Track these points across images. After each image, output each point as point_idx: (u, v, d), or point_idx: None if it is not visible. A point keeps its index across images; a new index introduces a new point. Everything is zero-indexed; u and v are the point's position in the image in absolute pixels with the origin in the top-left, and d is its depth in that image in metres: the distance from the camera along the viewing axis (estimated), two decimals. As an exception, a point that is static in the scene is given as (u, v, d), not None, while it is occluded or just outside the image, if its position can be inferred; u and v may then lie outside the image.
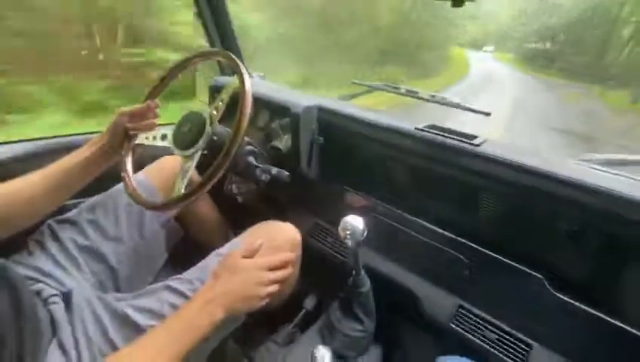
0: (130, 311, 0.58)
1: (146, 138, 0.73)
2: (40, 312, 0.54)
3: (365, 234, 0.60)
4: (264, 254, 0.65)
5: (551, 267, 0.57)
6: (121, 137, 0.70)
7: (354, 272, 0.71)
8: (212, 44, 1.03)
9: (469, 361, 0.59)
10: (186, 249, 0.92)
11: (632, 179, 0.54)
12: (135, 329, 0.56)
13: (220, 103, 0.69)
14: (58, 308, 0.57)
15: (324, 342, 0.77)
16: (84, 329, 0.55)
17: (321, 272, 0.91)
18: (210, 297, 0.54)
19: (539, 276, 0.58)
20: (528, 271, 0.58)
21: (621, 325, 0.51)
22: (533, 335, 0.59)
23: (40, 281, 0.61)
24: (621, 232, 0.51)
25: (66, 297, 0.60)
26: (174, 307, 0.59)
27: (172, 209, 0.66)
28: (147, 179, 0.82)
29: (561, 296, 0.56)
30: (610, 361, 0.53)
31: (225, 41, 1.02)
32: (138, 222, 0.77)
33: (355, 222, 0.60)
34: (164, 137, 0.71)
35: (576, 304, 0.55)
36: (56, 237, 0.68)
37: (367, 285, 0.72)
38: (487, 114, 0.69)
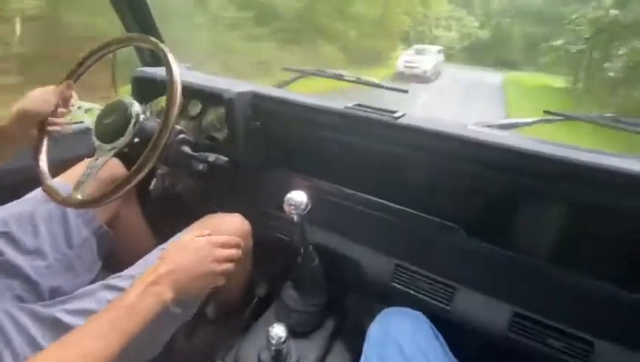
0: (61, 315, 0.53)
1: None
2: None
3: (309, 207, 0.63)
4: None
5: (465, 217, 0.67)
6: (32, 126, 0.63)
7: (302, 249, 0.73)
8: (128, 31, 0.95)
9: (409, 310, 0.66)
10: (122, 256, 0.85)
11: (521, 136, 0.66)
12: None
13: (150, 110, 0.66)
14: None
15: (280, 322, 0.79)
16: (6, 343, 0.49)
17: (271, 258, 0.93)
18: (154, 278, 0.50)
19: (455, 225, 0.67)
20: (447, 223, 0.67)
21: (523, 258, 0.63)
22: (455, 278, 0.69)
23: None
24: (518, 181, 0.62)
25: None
26: None
27: (89, 206, 0.61)
28: (64, 182, 0.74)
29: (475, 241, 0.66)
30: (518, 290, 0.64)
31: (144, 28, 0.95)
32: (62, 231, 0.70)
33: (297, 197, 0.62)
34: (88, 111, 0.66)
35: (488, 246, 0.65)
36: None
37: (315, 260, 0.76)
38: (405, 91, 0.78)
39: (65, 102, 0.64)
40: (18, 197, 0.71)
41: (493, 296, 0.66)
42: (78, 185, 0.62)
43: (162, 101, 0.61)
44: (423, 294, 0.71)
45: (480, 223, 0.66)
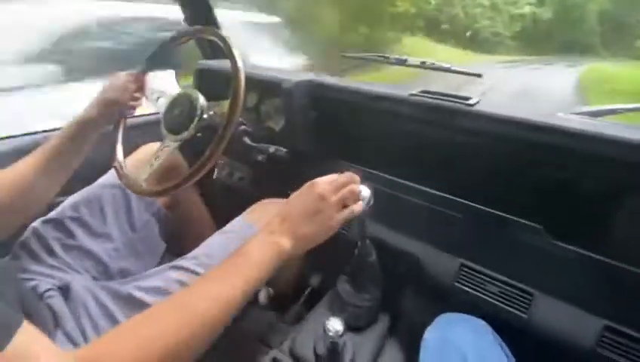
0: (135, 292, 0.57)
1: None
2: (39, 307, 0.53)
3: (372, 201, 0.60)
4: None
5: (549, 216, 0.59)
6: (114, 112, 0.68)
7: (359, 243, 0.71)
8: (191, 25, 0.99)
9: (470, 316, 0.61)
10: (183, 240, 0.90)
11: (620, 124, 0.56)
12: (143, 308, 0.55)
13: (214, 111, 0.67)
14: (57, 301, 0.56)
15: (334, 315, 0.78)
16: (88, 317, 0.54)
17: (324, 248, 0.92)
18: (270, 229, 0.46)
19: (537, 226, 0.60)
20: (527, 222, 0.61)
21: (619, 265, 0.55)
22: (534, 284, 0.62)
23: (33, 279, 0.59)
24: (614, 175, 0.53)
25: (64, 289, 0.58)
26: (181, 283, 0.58)
27: (165, 194, 0.64)
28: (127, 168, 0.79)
29: (560, 243, 0.59)
30: (610, 301, 0.57)
31: (204, 21, 0.98)
32: (126, 214, 0.75)
33: (362, 190, 0.60)
34: (159, 98, 0.70)
35: (575, 249, 0.58)
36: (41, 239, 0.65)
37: (372, 254, 0.73)
38: (479, 75, 0.71)
39: (140, 88, 0.70)
40: (89, 184, 0.77)
41: (580, 306, 0.58)
42: (146, 174, 0.65)
43: (225, 106, 0.61)
44: (493, 298, 0.65)
45: (567, 223, 0.58)
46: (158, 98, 0.70)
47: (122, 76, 0.68)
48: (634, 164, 0.51)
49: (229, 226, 0.71)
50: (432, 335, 0.57)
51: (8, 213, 0.56)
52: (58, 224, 0.67)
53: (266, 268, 0.43)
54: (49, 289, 0.57)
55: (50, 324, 0.53)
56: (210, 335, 0.39)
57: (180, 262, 0.63)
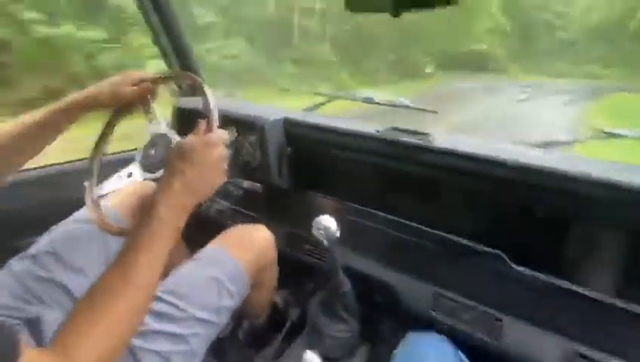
0: None
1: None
2: None
3: (339, 232, 0.62)
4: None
5: (508, 244, 0.63)
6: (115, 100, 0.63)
7: (333, 274, 0.73)
8: (169, 66, 1.03)
9: (435, 334, 0.64)
10: None
11: (567, 156, 0.61)
12: None
13: None
14: (23, 337, 0.54)
15: (312, 348, 0.77)
16: None
17: (302, 281, 0.92)
18: (174, 195, 0.49)
19: (498, 253, 0.63)
20: (489, 249, 0.64)
21: (577, 289, 0.57)
22: (502, 309, 0.64)
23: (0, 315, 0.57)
24: (563, 204, 0.57)
25: (33, 324, 0.57)
26: (151, 312, 0.58)
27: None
28: (108, 205, 0.79)
29: (520, 269, 0.62)
30: (573, 324, 0.59)
31: (183, 61, 1.03)
32: (103, 249, 0.74)
33: (326, 221, 0.62)
34: (151, 122, 0.65)
35: (535, 274, 0.60)
36: (12, 273, 0.64)
37: (347, 285, 0.74)
38: (434, 112, 0.77)
39: (145, 99, 0.66)
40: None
41: (549, 330, 0.60)
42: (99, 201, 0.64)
43: None
44: (466, 324, 0.66)
45: (525, 250, 0.61)
46: (152, 120, 0.67)
47: (133, 77, 0.64)
48: (575, 194, 0.55)
49: (200, 253, 0.72)
50: (400, 351, 0.62)
51: None
52: (33, 258, 0.67)
53: (176, 235, 0.49)
54: (17, 324, 0.56)
55: None
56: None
57: None
